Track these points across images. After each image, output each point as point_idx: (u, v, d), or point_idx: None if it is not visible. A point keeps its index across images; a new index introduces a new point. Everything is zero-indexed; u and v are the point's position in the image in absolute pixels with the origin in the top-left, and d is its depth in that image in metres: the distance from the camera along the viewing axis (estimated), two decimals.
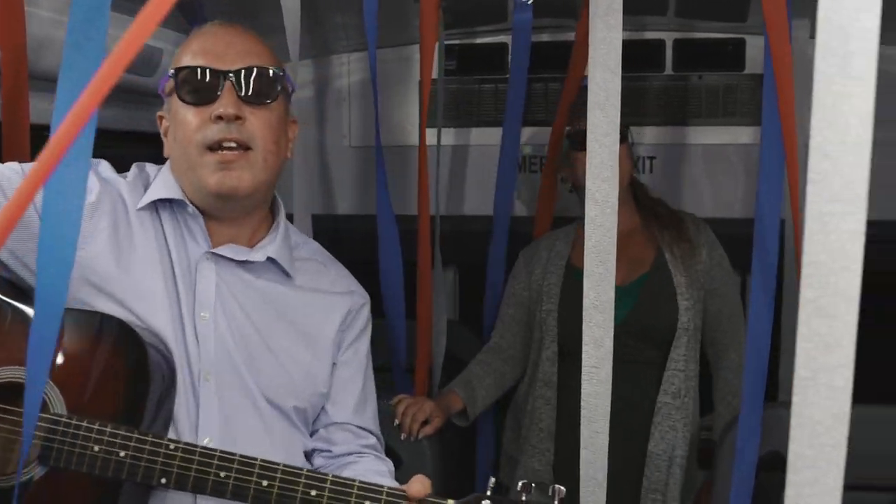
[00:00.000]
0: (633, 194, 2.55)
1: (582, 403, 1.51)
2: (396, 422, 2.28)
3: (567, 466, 2.42)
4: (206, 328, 1.48)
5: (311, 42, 3.05)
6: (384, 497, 1.33)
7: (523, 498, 1.34)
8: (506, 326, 2.64)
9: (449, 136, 3.18)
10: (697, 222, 2.55)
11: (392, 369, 2.57)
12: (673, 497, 2.39)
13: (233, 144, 1.46)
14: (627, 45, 3.38)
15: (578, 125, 2.41)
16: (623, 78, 3.42)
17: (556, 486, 1.36)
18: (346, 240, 2.83)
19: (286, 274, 1.58)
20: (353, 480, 1.35)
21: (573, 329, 2.32)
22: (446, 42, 3.15)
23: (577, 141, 2.40)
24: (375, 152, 2.32)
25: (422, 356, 2.52)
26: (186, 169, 1.49)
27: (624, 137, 2.35)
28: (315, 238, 1.95)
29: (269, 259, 1.55)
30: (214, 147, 1.46)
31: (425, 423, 2.30)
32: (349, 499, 1.32)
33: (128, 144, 2.51)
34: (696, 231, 2.52)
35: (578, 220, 2.55)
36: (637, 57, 3.05)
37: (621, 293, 2.46)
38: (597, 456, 1.51)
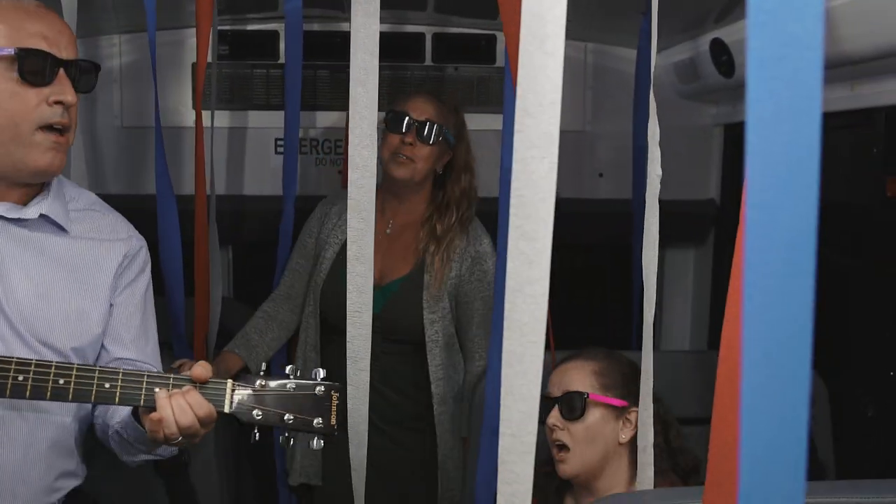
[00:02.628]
0: (433, 194, 2.61)
1: (347, 343, 1.70)
2: None
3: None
4: None
5: (79, 21, 3.04)
6: (172, 382, 1.47)
7: (288, 374, 1.56)
8: (296, 275, 2.69)
9: (224, 119, 3.25)
10: (477, 239, 2.58)
11: (173, 345, 2.59)
12: None
13: (60, 128, 1.57)
14: (391, 37, 3.60)
15: (398, 107, 2.53)
16: (387, 67, 3.64)
17: (319, 368, 1.57)
18: None
19: (61, 228, 1.65)
20: (143, 372, 1.48)
21: (333, 305, 2.42)
22: (220, 27, 3.23)
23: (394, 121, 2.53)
24: (155, 133, 2.33)
25: (199, 331, 2.58)
26: (6, 142, 1.54)
27: (425, 139, 2.49)
28: None
29: (43, 216, 1.62)
30: (47, 128, 1.55)
31: None
32: (139, 386, 1.46)
33: None
34: (465, 247, 2.55)
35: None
36: (399, 48, 3.26)
37: (377, 293, 2.34)
38: (359, 391, 1.71)
